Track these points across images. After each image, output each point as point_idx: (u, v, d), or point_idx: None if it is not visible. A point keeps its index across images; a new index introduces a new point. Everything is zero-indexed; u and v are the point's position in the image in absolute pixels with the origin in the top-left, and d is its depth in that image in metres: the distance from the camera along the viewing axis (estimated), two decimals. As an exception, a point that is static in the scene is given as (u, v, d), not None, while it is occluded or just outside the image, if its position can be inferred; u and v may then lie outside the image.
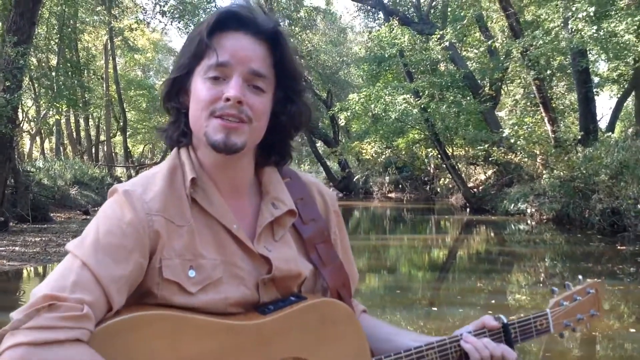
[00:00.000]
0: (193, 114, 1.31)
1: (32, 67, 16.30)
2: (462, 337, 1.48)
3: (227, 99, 1.24)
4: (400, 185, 30.02)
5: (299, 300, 1.33)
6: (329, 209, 1.50)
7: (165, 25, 32.90)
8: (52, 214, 18.45)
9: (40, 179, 20.46)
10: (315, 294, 1.39)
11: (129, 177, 35.46)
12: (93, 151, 36.51)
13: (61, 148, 34.20)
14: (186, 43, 1.33)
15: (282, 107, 1.35)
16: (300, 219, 1.41)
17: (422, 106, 20.82)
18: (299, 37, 32.56)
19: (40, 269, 9.96)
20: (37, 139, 33.73)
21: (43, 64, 27.46)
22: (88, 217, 19.29)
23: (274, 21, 1.33)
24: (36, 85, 24.04)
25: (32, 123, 29.83)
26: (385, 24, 22.82)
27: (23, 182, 17.51)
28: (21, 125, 20.26)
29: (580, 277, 1.72)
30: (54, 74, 23.19)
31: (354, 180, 32.02)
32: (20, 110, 17.15)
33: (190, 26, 30.03)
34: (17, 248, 11.92)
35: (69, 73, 26.66)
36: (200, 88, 1.28)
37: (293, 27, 32.40)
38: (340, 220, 1.53)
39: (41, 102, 23.51)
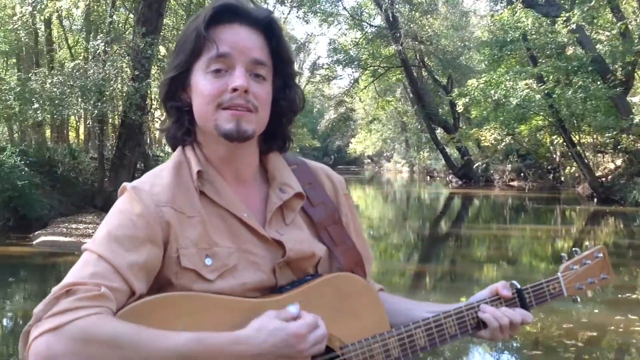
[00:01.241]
0: (199, 109, 1.33)
1: (159, 57, 17.02)
2: (478, 307, 1.51)
3: (234, 90, 1.27)
4: (522, 174, 29.08)
5: (315, 278, 1.36)
6: (338, 192, 1.53)
7: (287, 14, 33.42)
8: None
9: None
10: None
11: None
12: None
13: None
14: (181, 41, 1.36)
15: (282, 93, 1.39)
16: (310, 202, 1.44)
17: (546, 91, 20.04)
18: (419, 22, 32.12)
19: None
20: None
21: (171, 54, 28.64)
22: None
23: (267, 11, 1.38)
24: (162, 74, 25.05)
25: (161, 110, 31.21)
26: (508, 7, 22.09)
27: (152, 166, 18.45)
28: (150, 112, 21.27)
29: (587, 243, 1.75)
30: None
31: (474, 167, 31.33)
32: (149, 98, 18.02)
33: (308, 14, 30.44)
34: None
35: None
36: (203, 83, 1.30)
37: (413, 12, 32.00)
38: (350, 203, 1.56)
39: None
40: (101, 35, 17.01)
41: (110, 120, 18.56)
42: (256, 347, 1.17)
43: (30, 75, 16.10)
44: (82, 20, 22.96)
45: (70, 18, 23.78)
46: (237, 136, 1.29)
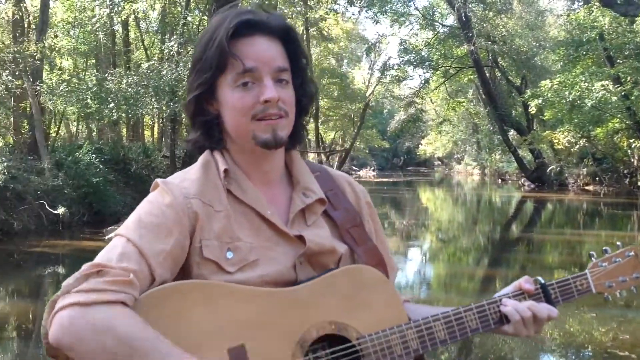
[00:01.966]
0: (233, 122, 1.39)
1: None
2: (500, 301, 1.49)
3: (266, 101, 1.33)
4: (597, 178, 28.12)
5: (332, 270, 1.39)
6: (360, 200, 1.57)
7: (359, 14, 33.48)
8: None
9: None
10: None
11: (320, 162, 36.61)
12: (287, 137, 38.01)
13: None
14: (200, 57, 1.39)
15: (302, 90, 1.45)
16: (332, 205, 1.49)
17: (624, 93, 19.32)
18: (493, 22, 31.53)
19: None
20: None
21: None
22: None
23: (281, 18, 1.42)
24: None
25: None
26: (585, 6, 21.40)
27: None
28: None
29: (619, 243, 1.69)
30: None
31: (548, 171, 30.49)
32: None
33: (379, 15, 30.30)
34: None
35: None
36: (234, 97, 1.36)
37: (486, 12, 31.44)
38: (373, 211, 1.60)
39: None
40: (175, 36, 17.38)
41: (182, 119, 18.93)
42: None
43: (106, 75, 16.61)
44: (158, 22, 23.57)
45: (146, 20, 24.45)
46: (274, 144, 1.37)
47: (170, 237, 1.29)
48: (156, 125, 27.26)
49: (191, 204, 1.33)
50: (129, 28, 23.65)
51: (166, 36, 21.71)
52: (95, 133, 23.91)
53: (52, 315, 1.17)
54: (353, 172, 50.28)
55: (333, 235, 1.45)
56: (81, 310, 1.15)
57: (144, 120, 25.58)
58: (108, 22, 19.13)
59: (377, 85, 40.30)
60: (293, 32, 1.42)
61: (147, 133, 29.91)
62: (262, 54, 1.35)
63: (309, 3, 29.41)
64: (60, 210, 13.87)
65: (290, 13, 31.52)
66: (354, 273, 1.40)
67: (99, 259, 1.23)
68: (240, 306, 1.27)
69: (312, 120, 37.00)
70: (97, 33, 21.31)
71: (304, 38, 32.90)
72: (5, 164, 13.41)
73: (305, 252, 1.38)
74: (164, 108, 15.74)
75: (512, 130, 33.52)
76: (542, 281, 1.55)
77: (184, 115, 19.27)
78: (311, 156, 35.00)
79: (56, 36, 19.00)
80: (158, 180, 1.40)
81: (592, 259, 1.65)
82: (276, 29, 1.38)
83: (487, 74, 32.75)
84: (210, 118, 1.42)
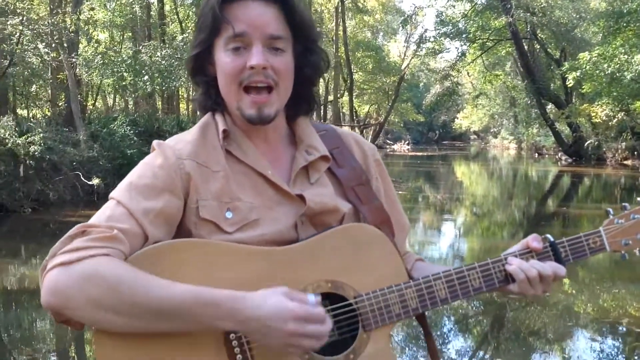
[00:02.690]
0: (223, 87, 1.37)
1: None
2: (506, 259, 1.44)
3: (252, 67, 1.30)
4: (636, 152, 27.51)
5: (330, 228, 1.36)
6: (367, 157, 1.54)
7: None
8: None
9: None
10: None
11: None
12: (322, 111, 38.03)
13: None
14: (200, 18, 1.38)
15: (304, 59, 1.40)
16: (336, 163, 1.47)
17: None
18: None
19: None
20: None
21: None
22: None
23: None
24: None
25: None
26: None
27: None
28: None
29: (639, 199, 1.56)
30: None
31: (585, 145, 29.92)
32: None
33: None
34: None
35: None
36: (224, 61, 1.34)
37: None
38: (382, 169, 1.57)
39: None
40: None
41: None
42: (250, 309, 1.17)
43: (140, 48, 16.70)
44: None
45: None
46: (259, 121, 1.35)
47: (160, 196, 1.29)
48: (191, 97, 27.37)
49: (184, 165, 1.33)
50: (164, 1, 23.70)
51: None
52: (131, 105, 24.11)
53: (42, 279, 1.19)
54: (387, 146, 50.07)
55: (337, 193, 1.44)
56: (65, 269, 1.16)
57: (179, 92, 25.74)
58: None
59: (412, 58, 39.93)
60: None
61: (182, 106, 30.10)
62: (254, 18, 1.31)
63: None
64: (95, 181, 14.11)
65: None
66: (351, 231, 1.37)
67: (90, 221, 1.25)
68: (235, 265, 1.27)
69: (346, 93, 36.95)
70: (133, 6, 21.41)
71: (339, 10, 32.64)
72: (42, 135, 13.60)
73: (306, 212, 1.36)
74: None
75: (550, 103, 32.92)
76: (552, 239, 1.49)
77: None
78: (345, 129, 34.88)
79: (92, 9, 19.07)
80: (154, 142, 1.40)
81: (610, 215, 1.56)
82: None
83: (526, 47, 32.14)
84: (208, 79, 1.41)
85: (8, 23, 11.97)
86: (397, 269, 1.40)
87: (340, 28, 33.31)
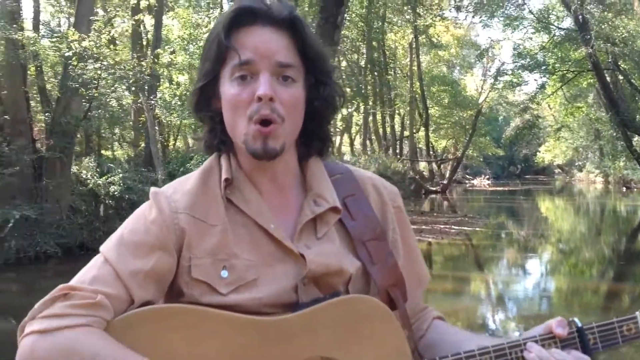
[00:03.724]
0: (228, 121, 1.28)
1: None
2: (525, 345, 1.25)
3: (259, 98, 1.20)
4: None
5: (332, 297, 1.23)
6: (385, 206, 1.40)
7: (468, 19, 32.80)
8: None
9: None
10: (361, 293, 1.29)
11: (431, 171, 36.17)
12: (397, 146, 37.84)
13: (368, 143, 36.17)
14: (205, 48, 1.30)
15: (315, 92, 1.30)
16: (349, 214, 1.34)
17: None
18: (612, 23, 29.91)
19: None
20: (346, 135, 36.02)
21: (352, 64, 29.23)
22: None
23: (288, 7, 1.27)
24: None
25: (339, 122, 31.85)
26: None
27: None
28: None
29: None
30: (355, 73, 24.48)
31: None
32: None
33: (490, 21, 29.51)
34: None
35: (375, 72, 28.00)
36: (229, 92, 1.24)
37: (605, 13, 29.90)
38: (402, 217, 1.43)
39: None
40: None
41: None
42: None
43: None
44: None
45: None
46: (264, 155, 1.24)
47: (151, 255, 1.21)
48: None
49: (178, 220, 1.24)
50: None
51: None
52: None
53: (19, 342, 1.13)
54: (467, 181, 49.29)
55: (346, 249, 1.31)
56: (42, 338, 1.10)
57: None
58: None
59: (490, 91, 39.29)
60: (300, 23, 1.26)
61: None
62: (261, 45, 1.22)
63: (417, 11, 29.08)
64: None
65: (399, 21, 31.41)
66: (353, 304, 1.24)
67: (74, 279, 1.19)
68: (223, 336, 1.17)
69: (422, 128, 36.71)
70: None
71: (413, 46, 32.64)
72: (121, 175, 14.00)
73: (307, 274, 1.24)
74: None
75: (636, 135, 31.65)
76: (579, 324, 1.29)
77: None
78: (422, 165, 34.55)
79: (173, 52, 19.65)
80: (152, 189, 1.32)
81: None
82: (280, 19, 1.24)
83: (608, 78, 31.11)
84: (213, 114, 1.31)
85: (87, 68, 12.44)
86: (399, 349, 1.25)
87: (415, 63, 33.26)
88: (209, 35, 1.29)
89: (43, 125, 14.64)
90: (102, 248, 1.24)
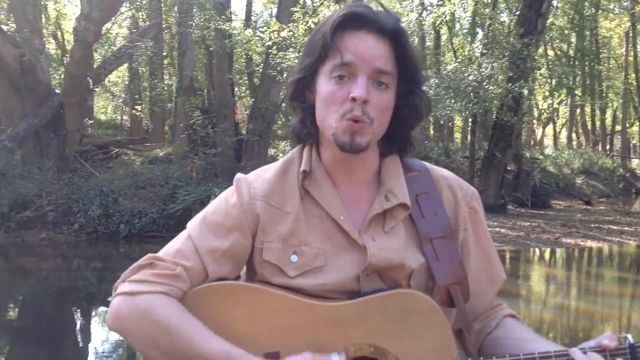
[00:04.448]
0: (320, 113, 1.35)
1: (536, 57, 16.53)
2: (569, 353, 1.24)
3: (354, 99, 1.27)
4: None
5: (387, 290, 1.30)
6: (459, 205, 1.43)
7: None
8: (552, 201, 18.71)
9: (545, 166, 20.87)
10: (422, 289, 1.34)
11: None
12: (607, 141, 35.32)
13: (574, 136, 34.20)
14: (309, 43, 1.37)
15: (405, 100, 1.36)
16: (420, 212, 1.39)
17: None
18: None
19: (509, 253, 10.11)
20: (550, 127, 34.31)
21: (559, 54, 27.79)
22: (590, 207, 18.89)
23: (394, 19, 1.32)
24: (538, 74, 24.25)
25: (542, 112, 30.43)
26: None
27: (526, 168, 18.21)
28: (527, 114, 20.73)
29: None
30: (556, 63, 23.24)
31: None
32: (526, 100, 17.65)
33: None
34: (503, 230, 12.54)
35: (585, 62, 26.40)
36: (326, 88, 1.32)
37: None
38: (477, 218, 1.45)
39: (535, 92, 23.59)
40: (480, 37, 17.30)
41: (484, 121, 18.78)
42: None
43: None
44: (469, 24, 23.66)
45: (456, 22, 24.69)
46: (350, 149, 1.31)
47: (229, 236, 1.34)
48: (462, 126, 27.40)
49: (255, 206, 1.36)
50: (440, 31, 24.14)
51: (476, 37, 21.68)
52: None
53: (112, 299, 1.32)
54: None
55: (411, 245, 1.37)
56: (126, 299, 1.28)
57: (453, 120, 25.94)
58: (417, 26, 19.74)
59: None
60: (404, 35, 1.33)
61: (456, 134, 30.26)
62: (363, 50, 1.29)
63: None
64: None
65: (615, 8, 29.27)
66: (402, 299, 1.30)
67: (161, 251, 1.35)
68: (282, 315, 1.28)
69: (636, 122, 33.87)
70: (413, 37, 22.13)
71: (630, 34, 30.22)
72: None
73: (367, 266, 1.32)
74: (462, 110, 15.77)
75: None
76: (631, 341, 1.26)
77: (482, 117, 19.15)
78: (634, 162, 31.95)
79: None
80: (236, 175, 1.44)
81: None
82: (386, 29, 1.30)
83: None
84: (305, 106, 1.40)
85: (286, 57, 13.12)
86: (445, 344, 1.30)
87: (631, 53, 30.75)
88: (316, 32, 1.35)
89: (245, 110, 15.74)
90: (188, 224, 1.38)
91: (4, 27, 14.94)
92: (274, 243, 1.34)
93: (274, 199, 1.37)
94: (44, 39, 17.83)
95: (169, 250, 1.34)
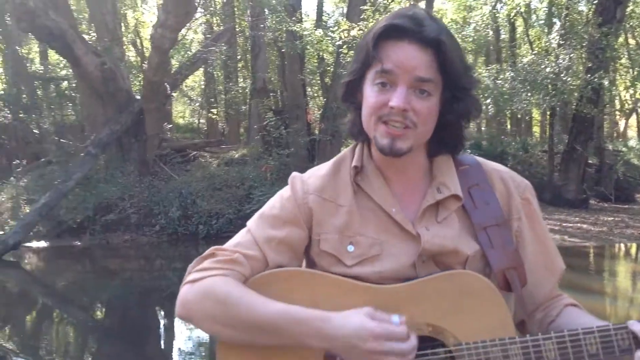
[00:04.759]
0: (364, 117, 1.42)
1: (615, 47, 15.93)
2: (629, 324, 1.26)
3: (392, 108, 1.32)
4: None
5: (437, 273, 1.35)
6: (512, 196, 1.47)
7: None
8: (637, 195, 18.02)
9: (629, 159, 20.11)
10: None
11: None
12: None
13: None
14: (357, 49, 1.44)
15: (449, 106, 1.39)
16: (473, 203, 1.44)
17: None
18: None
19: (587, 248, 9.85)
20: (634, 118, 32.98)
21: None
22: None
23: (437, 28, 1.34)
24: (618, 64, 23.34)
25: (624, 102, 29.26)
26: None
27: (609, 161, 17.60)
28: (608, 105, 20.02)
29: None
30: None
31: None
32: (607, 91, 17.06)
33: None
34: (585, 225, 12.20)
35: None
36: (369, 94, 1.38)
37: None
38: (531, 209, 1.49)
39: (617, 83, 22.70)
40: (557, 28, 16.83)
41: (563, 113, 18.26)
42: (334, 329, 1.26)
43: (483, 71, 16.86)
44: (546, 15, 23.03)
45: (532, 13, 24.07)
46: (389, 153, 1.37)
47: (284, 227, 1.44)
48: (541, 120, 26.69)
49: (308, 200, 1.46)
50: (515, 23, 23.59)
51: (552, 28, 21.10)
52: (473, 128, 24.43)
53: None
54: None
55: (465, 234, 1.42)
56: (191, 286, 1.39)
57: (532, 114, 25.34)
58: (491, 19, 19.37)
59: None
60: (445, 44, 1.34)
61: (535, 128, 29.50)
62: (403, 60, 1.33)
63: None
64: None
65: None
66: (457, 278, 1.35)
67: (223, 245, 1.46)
68: (339, 298, 1.34)
69: None
70: (487, 30, 21.74)
71: None
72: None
73: (422, 252, 1.38)
74: (540, 103, 15.39)
75: None
76: None
77: (561, 109, 18.60)
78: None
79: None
80: (292, 174, 1.54)
81: None
82: (428, 39, 1.33)
83: None
84: (356, 106, 1.47)
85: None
86: (503, 323, 1.33)
87: None
88: (362, 40, 1.43)
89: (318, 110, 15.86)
90: (248, 222, 1.50)
91: (86, 37, 15.51)
92: (330, 234, 1.43)
93: (327, 193, 1.46)
94: (124, 47, 18.45)
95: (229, 243, 1.46)
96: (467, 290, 1.33)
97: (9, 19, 17.04)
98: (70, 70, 16.65)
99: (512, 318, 1.38)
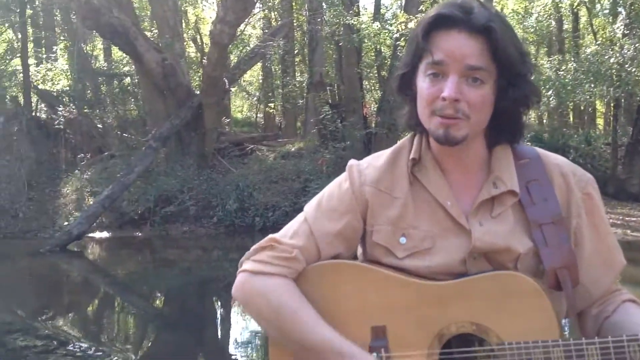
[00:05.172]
0: (419, 109, 1.40)
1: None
2: None
3: (444, 99, 1.30)
4: None
5: (485, 272, 1.34)
6: (571, 192, 1.41)
7: None
8: None
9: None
10: (531, 273, 1.35)
11: None
12: None
13: None
14: (409, 42, 1.43)
15: (505, 94, 1.35)
16: (530, 198, 1.39)
17: None
18: None
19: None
20: None
21: None
22: None
23: (487, 15, 1.31)
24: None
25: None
26: None
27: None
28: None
29: None
30: None
31: None
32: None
33: None
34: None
35: None
36: (421, 85, 1.37)
37: None
38: (592, 204, 1.43)
39: None
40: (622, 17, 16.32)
41: (628, 105, 17.69)
42: None
43: (544, 62, 16.48)
44: (610, 4, 22.34)
45: (600, 2, 23.38)
46: (445, 142, 1.35)
47: (341, 220, 1.45)
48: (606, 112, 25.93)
49: (364, 192, 1.46)
50: (579, 13, 22.97)
51: (617, 18, 20.45)
52: (533, 120, 23.94)
53: (237, 274, 1.48)
54: None
55: (519, 230, 1.38)
56: (249, 277, 1.43)
57: (595, 106, 24.67)
58: (553, 9, 18.93)
59: None
60: (496, 31, 1.30)
61: (599, 120, 28.71)
62: (454, 49, 1.31)
63: None
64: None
65: None
66: (504, 279, 1.33)
67: (280, 232, 1.49)
68: (390, 292, 1.37)
69: None
70: (549, 20, 21.27)
71: None
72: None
73: (472, 250, 1.36)
74: (604, 94, 14.96)
75: None
76: None
77: (626, 101, 18.05)
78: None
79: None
80: (349, 162, 1.53)
81: None
82: (477, 26, 1.30)
83: None
84: (412, 98, 1.44)
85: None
86: (548, 325, 1.30)
87: None
88: (413, 31, 1.40)
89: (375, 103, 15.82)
90: (305, 207, 1.51)
91: (148, 34, 15.87)
92: (383, 226, 1.43)
93: (383, 185, 1.45)
94: (184, 43, 18.79)
95: (287, 232, 1.47)
96: (514, 292, 1.31)
97: (74, 17, 17.58)
98: (133, 66, 17.12)
99: (564, 315, 1.37)
